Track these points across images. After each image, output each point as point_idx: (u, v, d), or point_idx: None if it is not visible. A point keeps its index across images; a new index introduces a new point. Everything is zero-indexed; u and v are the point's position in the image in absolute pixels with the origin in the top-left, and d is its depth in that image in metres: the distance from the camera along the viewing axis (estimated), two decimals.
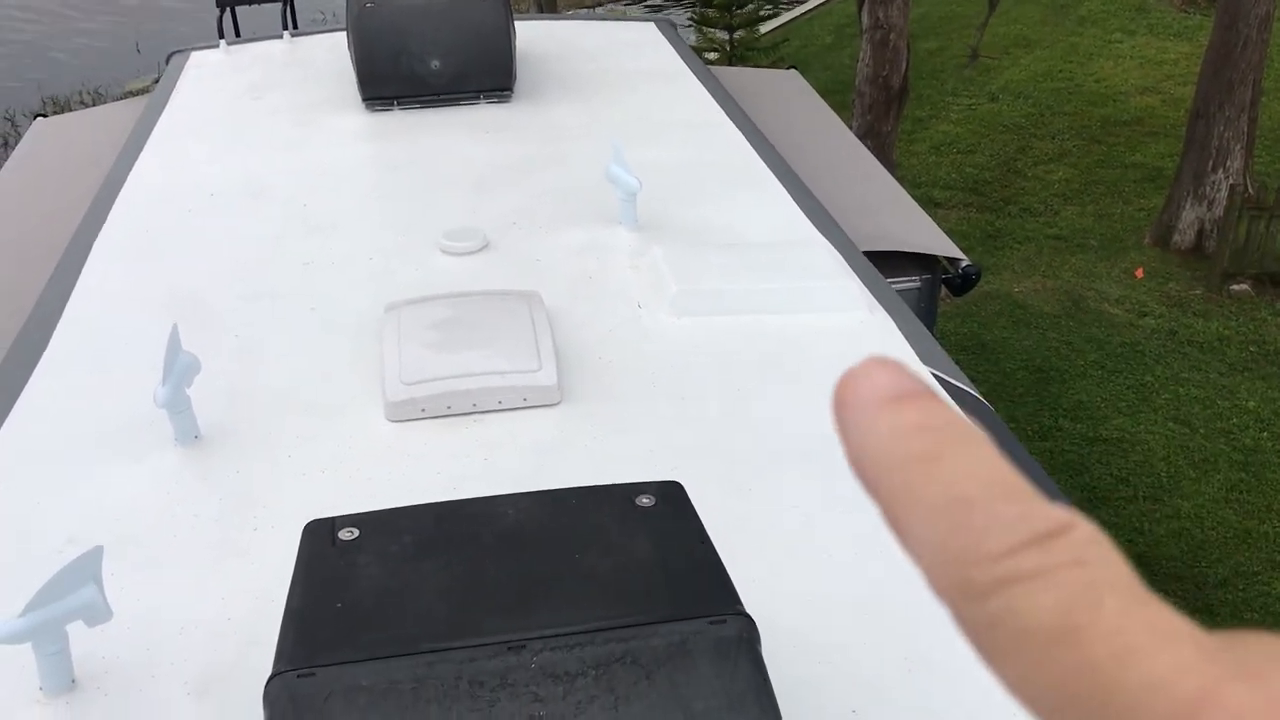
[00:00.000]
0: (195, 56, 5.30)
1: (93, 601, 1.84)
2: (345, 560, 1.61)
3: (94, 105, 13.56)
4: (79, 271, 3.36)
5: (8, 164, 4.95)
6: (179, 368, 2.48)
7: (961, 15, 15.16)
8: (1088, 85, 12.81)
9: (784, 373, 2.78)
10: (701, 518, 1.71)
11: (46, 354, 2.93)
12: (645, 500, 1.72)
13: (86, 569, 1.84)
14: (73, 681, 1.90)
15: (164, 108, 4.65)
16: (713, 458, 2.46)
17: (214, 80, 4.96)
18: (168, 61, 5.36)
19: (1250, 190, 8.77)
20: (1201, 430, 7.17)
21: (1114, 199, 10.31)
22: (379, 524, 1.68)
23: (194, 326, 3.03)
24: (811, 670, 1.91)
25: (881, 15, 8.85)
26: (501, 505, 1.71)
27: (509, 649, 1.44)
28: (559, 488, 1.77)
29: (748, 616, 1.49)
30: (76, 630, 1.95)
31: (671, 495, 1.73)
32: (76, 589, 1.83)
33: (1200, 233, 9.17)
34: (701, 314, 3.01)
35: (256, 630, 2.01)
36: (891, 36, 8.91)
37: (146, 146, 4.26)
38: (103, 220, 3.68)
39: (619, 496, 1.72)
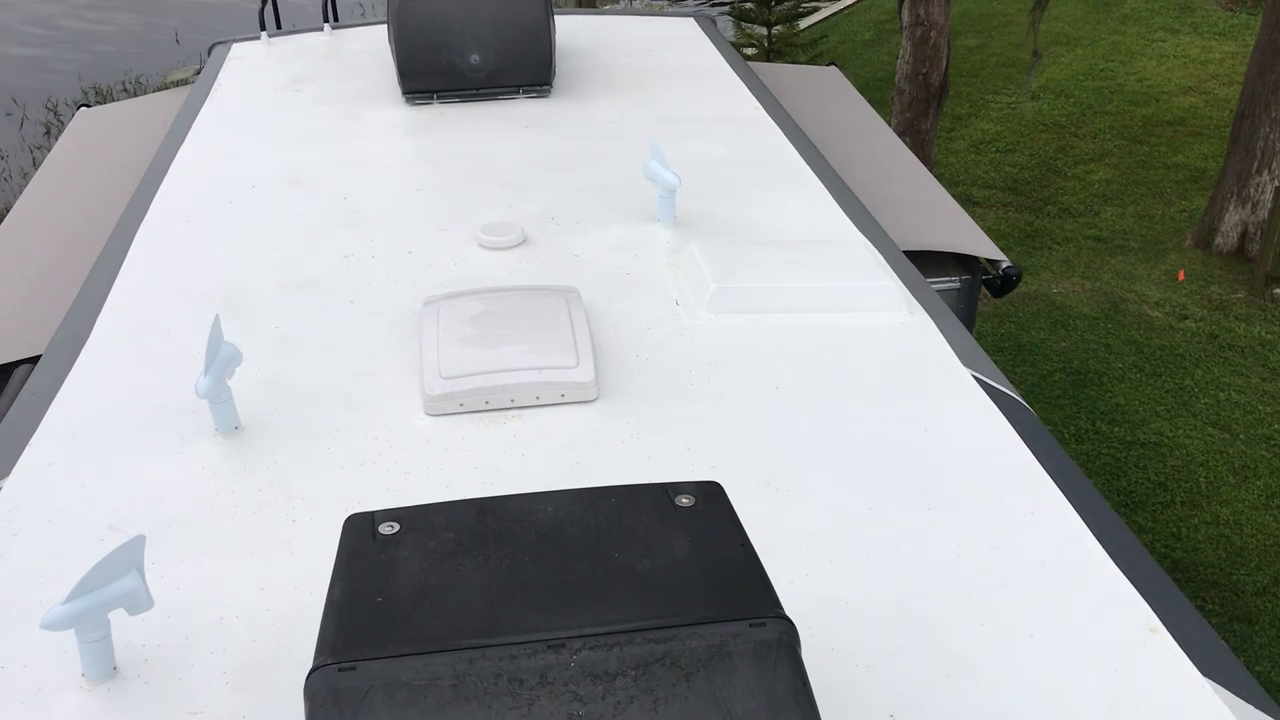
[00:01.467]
0: (237, 48, 5.33)
1: (134, 590, 1.86)
2: (386, 554, 1.61)
3: (136, 95, 13.70)
4: (122, 261, 3.39)
5: (52, 153, 5.00)
6: (220, 358, 2.50)
7: (1002, 13, 15.03)
8: (1130, 84, 12.66)
9: (823, 372, 2.76)
10: (740, 518, 1.70)
11: (89, 343, 2.96)
12: (685, 500, 1.71)
13: (129, 557, 1.86)
14: (114, 669, 1.92)
15: (206, 99, 4.68)
16: (751, 457, 2.45)
17: (255, 72, 4.99)
18: (209, 53, 5.40)
19: None
20: (1242, 436, 7.08)
21: (1155, 200, 10.19)
22: (419, 519, 1.68)
23: (235, 317, 3.05)
24: (850, 674, 1.90)
25: (922, 12, 8.78)
26: (541, 502, 1.71)
27: (549, 647, 1.44)
28: (598, 485, 1.76)
29: (788, 619, 1.48)
30: (118, 618, 1.97)
31: (711, 495, 1.73)
32: (119, 577, 1.85)
33: (1243, 235, 9.05)
34: (739, 312, 3.00)
35: (296, 622, 2.03)
36: (932, 34, 8.84)
37: (188, 137, 4.29)
38: (145, 210, 3.71)
39: (658, 495, 1.72)
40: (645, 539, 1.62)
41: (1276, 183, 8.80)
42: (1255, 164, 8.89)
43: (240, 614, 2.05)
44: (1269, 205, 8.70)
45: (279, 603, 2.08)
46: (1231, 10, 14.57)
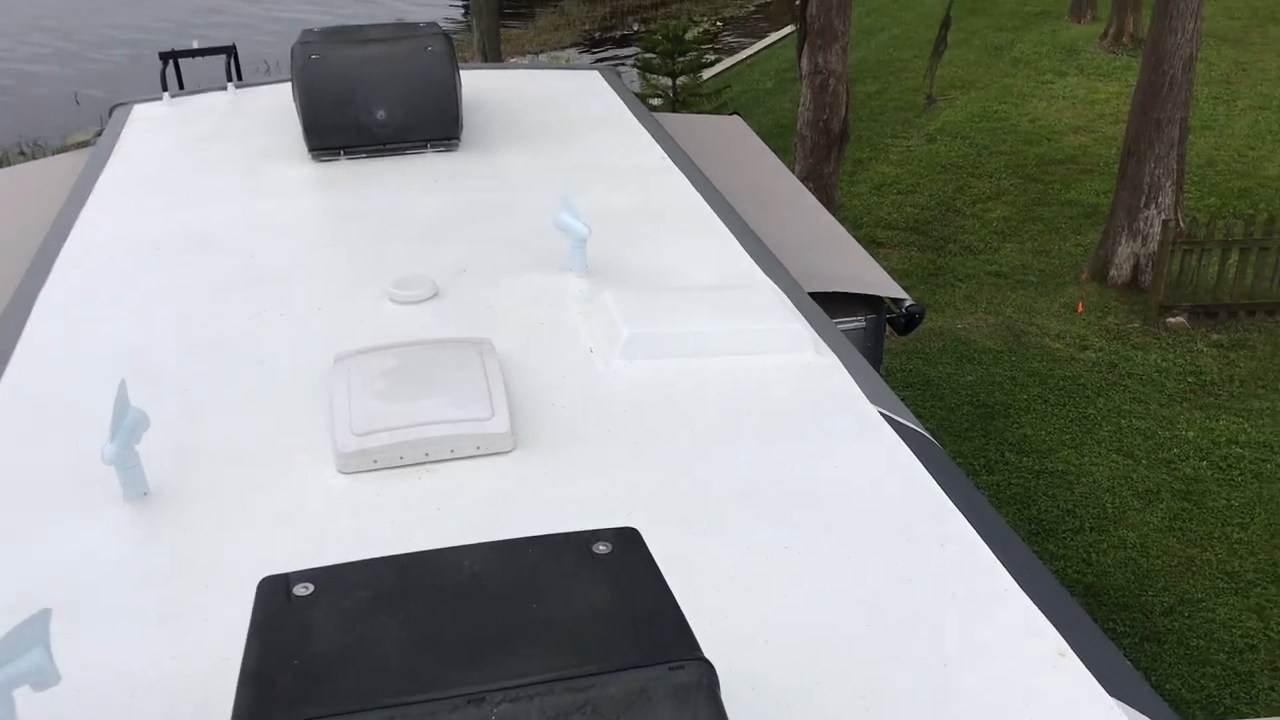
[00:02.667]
0: (139, 109, 5.27)
1: (40, 666, 1.81)
2: (301, 616, 1.60)
3: (34, 157, 13.41)
4: (22, 327, 3.32)
5: None
6: (127, 423, 2.46)
7: (898, 60, 15.49)
8: (1022, 125, 13.11)
9: (735, 414, 2.80)
10: (658, 562, 1.72)
11: None
12: (602, 547, 1.73)
13: (34, 632, 1.81)
14: None
15: (107, 160, 4.62)
16: (668, 501, 2.48)
17: (158, 132, 4.94)
18: (110, 114, 5.33)
19: (1182, 225, 9.00)
20: (1144, 461, 7.31)
21: (1051, 236, 10.53)
22: (334, 578, 1.67)
23: (141, 382, 3.00)
24: (771, 711, 1.93)
25: (820, 61, 9.01)
26: (458, 556, 1.71)
27: (469, 702, 1.44)
28: (515, 537, 1.77)
29: (706, 661, 1.50)
30: (24, 695, 1.92)
31: (628, 541, 1.74)
32: (24, 653, 1.80)
33: (1136, 267, 9.39)
34: (653, 357, 3.04)
35: (211, 690, 1.99)
36: (831, 81, 9.07)
37: (90, 200, 4.22)
38: (47, 274, 3.64)
39: (575, 544, 1.73)
40: (563, 588, 1.64)
41: (1163, 216, 9.17)
42: (1143, 199, 9.26)
43: (153, 685, 2.01)
44: (1158, 238, 9.04)
45: (193, 671, 2.04)
46: (1113, 53, 15.20)
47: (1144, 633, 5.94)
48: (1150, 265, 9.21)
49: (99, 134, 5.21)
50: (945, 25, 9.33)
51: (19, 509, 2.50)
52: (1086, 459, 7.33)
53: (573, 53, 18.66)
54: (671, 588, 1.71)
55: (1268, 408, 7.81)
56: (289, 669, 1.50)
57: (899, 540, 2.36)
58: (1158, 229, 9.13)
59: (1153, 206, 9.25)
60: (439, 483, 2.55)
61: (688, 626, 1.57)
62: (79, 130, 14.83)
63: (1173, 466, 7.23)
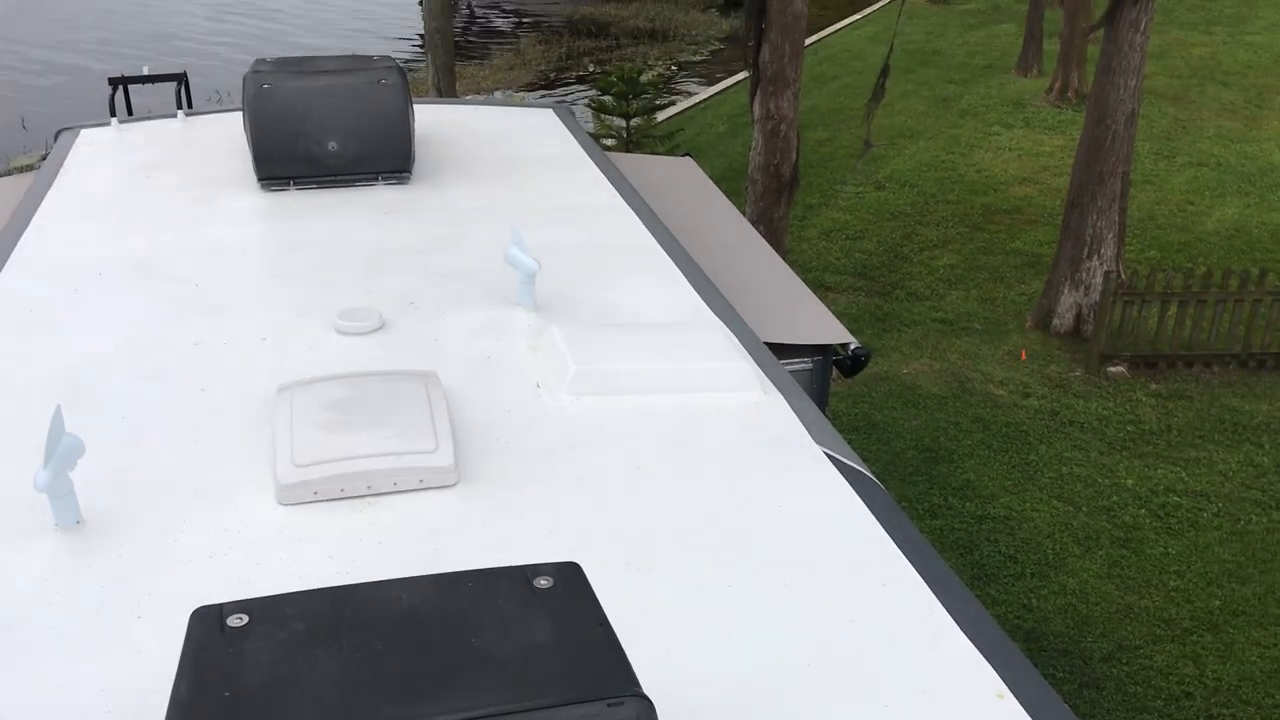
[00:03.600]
0: (85, 133, 5.21)
1: None
2: (234, 648, 1.57)
3: None
4: None
5: None
6: (61, 450, 2.41)
7: (850, 108, 15.73)
8: (969, 175, 13.35)
9: (681, 451, 2.80)
10: (600, 598, 1.71)
11: None
12: (543, 581, 1.71)
13: None
14: None
15: (51, 185, 4.55)
16: (612, 538, 2.47)
17: (105, 158, 4.88)
18: (56, 138, 5.26)
19: (1123, 276, 9.20)
20: (1084, 508, 7.40)
21: (996, 284, 10.70)
22: (269, 610, 1.64)
23: (79, 408, 2.95)
24: None
25: (773, 106, 9.13)
26: (396, 589, 1.69)
27: None
28: (455, 570, 1.75)
29: (645, 698, 1.49)
30: None
31: (569, 576, 1.73)
32: None
33: (1078, 317, 9.56)
34: (600, 394, 3.03)
35: None
36: (782, 127, 9.19)
37: (32, 224, 4.15)
38: None
39: (516, 578, 1.72)
40: (503, 622, 1.62)
41: (1105, 267, 9.36)
42: (1085, 250, 9.45)
43: (82, 717, 1.95)
44: (1099, 288, 9.22)
45: (123, 705, 1.99)
46: (1059, 107, 15.55)
47: (1083, 679, 5.99)
48: (1092, 315, 9.38)
49: (44, 158, 5.14)
50: (883, 74, 9.52)
51: None
52: (1028, 505, 7.41)
53: (527, 93, 18.75)
54: (613, 624, 1.70)
55: (1204, 457, 7.96)
56: (220, 701, 1.46)
57: (841, 580, 2.36)
58: (1100, 280, 9.31)
59: (1095, 258, 9.44)
60: (380, 515, 2.52)
61: (628, 663, 1.56)
62: (23, 154, 14.63)
63: (1112, 514, 7.34)
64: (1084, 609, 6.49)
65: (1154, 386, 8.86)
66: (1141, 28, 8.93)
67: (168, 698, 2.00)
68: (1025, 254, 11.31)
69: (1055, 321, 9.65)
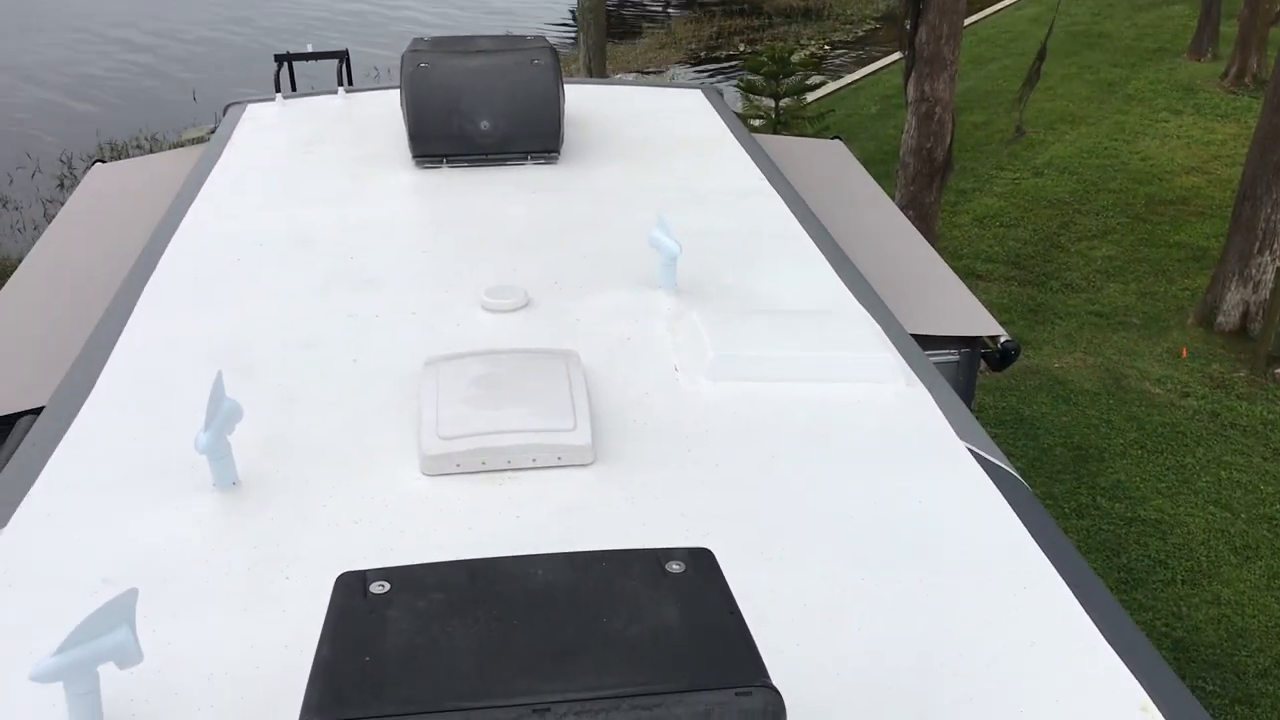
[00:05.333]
0: (251, 108, 5.42)
1: (125, 644, 1.86)
2: (376, 614, 1.62)
3: (150, 152, 13.89)
4: (128, 315, 3.43)
5: (65, 206, 5.07)
6: (221, 414, 2.52)
7: (1007, 90, 15.25)
8: (1133, 163, 12.81)
9: (819, 442, 2.77)
10: (731, 586, 1.71)
11: (92, 396, 2.99)
12: (675, 566, 1.72)
13: (120, 611, 1.86)
14: None
15: (218, 158, 4.76)
16: (745, 525, 2.46)
17: (269, 132, 5.07)
18: (224, 112, 5.49)
19: None
20: (1243, 515, 7.05)
21: (1157, 277, 10.25)
22: (410, 579, 1.69)
23: (237, 374, 3.08)
24: None
25: (927, 88, 8.92)
26: (532, 565, 1.72)
27: (534, 711, 1.44)
28: (589, 549, 1.77)
29: (774, 690, 1.49)
30: (108, 672, 1.97)
31: (702, 562, 1.73)
32: (110, 631, 1.85)
33: (1245, 314, 9.10)
34: (738, 380, 3.02)
35: (284, 680, 2.03)
36: (937, 109, 8.97)
37: (199, 195, 4.35)
38: (154, 266, 3.76)
39: (649, 561, 1.73)
40: (634, 604, 1.63)
41: (1278, 263, 8.87)
42: (1257, 244, 8.97)
43: (229, 671, 2.05)
44: (1270, 285, 8.75)
45: (268, 660, 2.08)
46: (1233, 93, 14.78)
47: (1235, 694, 5.72)
48: (1261, 313, 8.91)
49: (212, 131, 5.37)
50: (1040, 57, 9.19)
51: (113, 492, 2.58)
52: (1182, 509, 7.10)
53: (678, 71, 18.74)
54: (742, 613, 1.69)
55: None
56: (360, 665, 1.51)
57: (980, 581, 2.31)
58: (1271, 276, 8.83)
59: (1267, 253, 8.95)
60: (518, 490, 2.57)
61: (758, 653, 1.56)
62: (193, 127, 15.33)
63: (1275, 523, 6.97)
64: (1239, 621, 6.19)
65: None
66: None
67: (310, 657, 2.08)
68: (1190, 247, 10.80)
69: (1220, 319, 9.20)
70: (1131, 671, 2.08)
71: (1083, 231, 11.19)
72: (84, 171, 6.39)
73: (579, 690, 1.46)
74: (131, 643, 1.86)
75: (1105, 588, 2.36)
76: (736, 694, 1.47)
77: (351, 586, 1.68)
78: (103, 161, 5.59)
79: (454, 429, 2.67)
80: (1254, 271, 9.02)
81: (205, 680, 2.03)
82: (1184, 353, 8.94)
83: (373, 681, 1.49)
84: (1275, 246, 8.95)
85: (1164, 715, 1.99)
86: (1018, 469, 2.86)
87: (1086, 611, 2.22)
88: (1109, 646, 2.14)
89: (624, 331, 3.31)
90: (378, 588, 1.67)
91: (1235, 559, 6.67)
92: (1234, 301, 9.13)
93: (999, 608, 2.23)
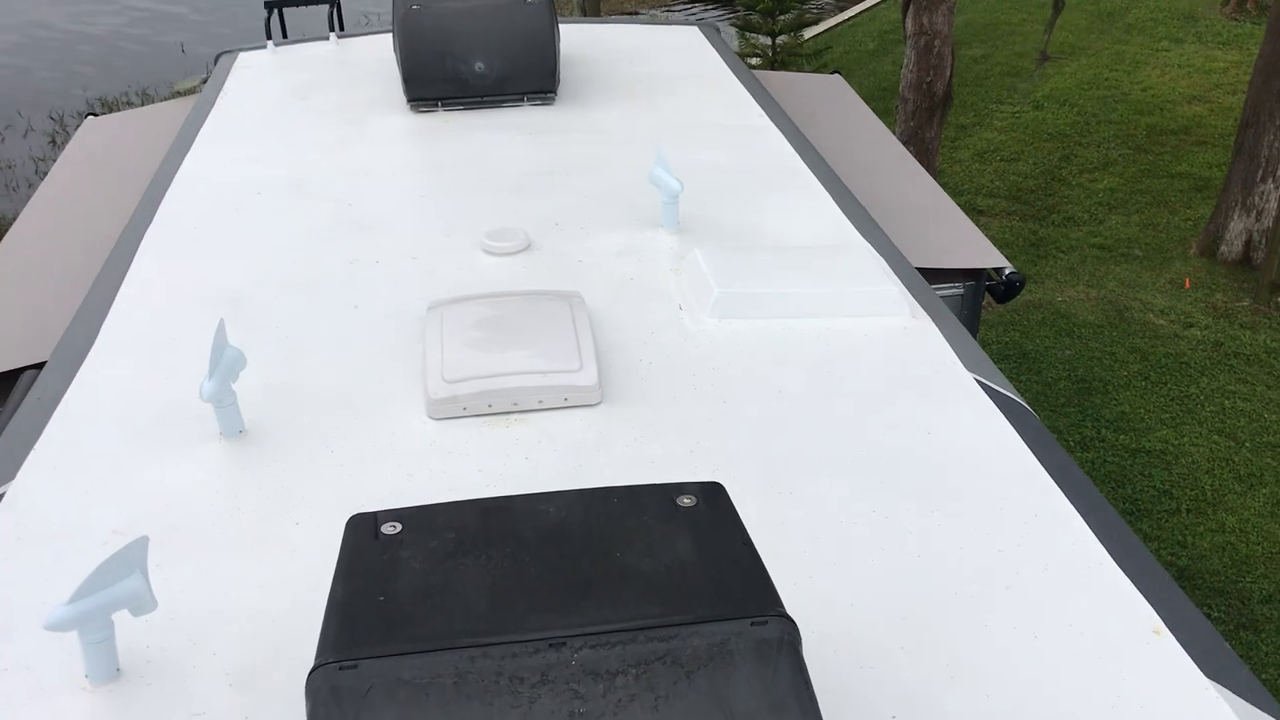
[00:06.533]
0: (243, 57, 5.35)
1: (138, 591, 1.86)
2: (388, 554, 1.61)
3: (143, 105, 13.75)
4: (128, 267, 3.40)
5: (59, 161, 5.02)
6: (225, 362, 2.51)
7: (1006, 23, 15.06)
8: (1134, 93, 12.67)
9: (826, 377, 2.76)
10: (743, 520, 1.70)
11: (95, 348, 2.97)
12: (686, 500, 1.71)
13: (132, 559, 1.86)
14: (118, 670, 1.92)
15: (212, 107, 4.70)
16: (754, 460, 2.45)
17: (261, 80, 5.01)
18: (215, 62, 5.42)
19: None
20: (1248, 444, 7.06)
21: (1160, 209, 10.19)
22: (421, 519, 1.69)
23: (239, 322, 3.06)
24: (853, 675, 1.90)
25: (926, 21, 8.80)
26: (543, 503, 1.71)
27: (550, 646, 1.44)
28: (600, 486, 1.77)
29: (789, 618, 1.48)
30: (121, 619, 1.98)
31: (713, 496, 1.73)
32: (122, 578, 1.86)
33: (1248, 244, 9.05)
34: (743, 317, 3.00)
35: (297, 623, 2.03)
36: (936, 43, 8.85)
37: (195, 145, 4.31)
38: (151, 217, 3.72)
39: (660, 496, 1.72)
40: (647, 539, 1.63)
41: None
42: (1260, 172, 8.89)
43: (242, 615, 2.05)
44: (1274, 214, 8.69)
45: (281, 604, 2.08)
46: (1235, 20, 14.59)
47: (1240, 620, 5.76)
48: (1264, 242, 8.85)
49: (204, 82, 5.31)
50: None
51: (120, 442, 2.57)
52: (1186, 439, 7.11)
53: (672, 13, 18.50)
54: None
55: None
56: (375, 604, 1.51)
57: (991, 509, 2.30)
58: (1274, 204, 8.77)
59: (1270, 181, 8.88)
60: (526, 432, 2.56)
61: (771, 583, 1.55)
62: (185, 79, 15.17)
63: (1278, 451, 6.98)
64: (1244, 548, 6.22)
65: None
66: None
67: (323, 599, 2.09)
68: (1192, 177, 10.72)
69: (1223, 248, 9.15)
70: (1144, 595, 2.08)
71: (1084, 164, 11.10)
72: (76, 127, 6.33)
73: (594, 624, 1.46)
74: (145, 589, 1.86)
75: (1116, 514, 2.36)
76: (752, 624, 1.47)
77: (363, 528, 1.68)
78: (95, 115, 5.53)
79: (459, 372, 2.66)
80: (1257, 200, 8.96)
81: (220, 625, 2.03)
82: (1187, 283, 8.90)
83: (388, 620, 1.49)
84: (1278, 174, 8.88)
85: (1176, 638, 2.00)
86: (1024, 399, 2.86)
87: (1098, 537, 2.22)
88: (1120, 571, 2.14)
89: (627, 271, 3.29)
90: (389, 528, 1.67)
91: (1239, 487, 6.69)
92: (1237, 231, 9.08)
93: (1011, 536, 2.23)
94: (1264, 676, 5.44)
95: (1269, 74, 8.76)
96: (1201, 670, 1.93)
